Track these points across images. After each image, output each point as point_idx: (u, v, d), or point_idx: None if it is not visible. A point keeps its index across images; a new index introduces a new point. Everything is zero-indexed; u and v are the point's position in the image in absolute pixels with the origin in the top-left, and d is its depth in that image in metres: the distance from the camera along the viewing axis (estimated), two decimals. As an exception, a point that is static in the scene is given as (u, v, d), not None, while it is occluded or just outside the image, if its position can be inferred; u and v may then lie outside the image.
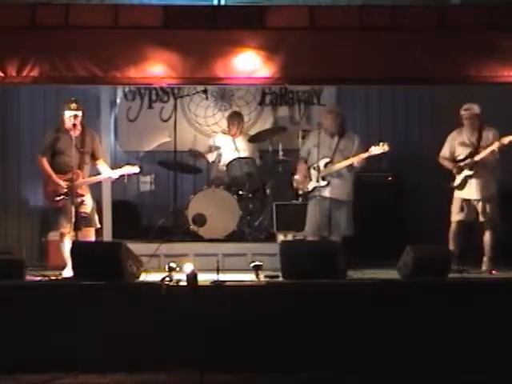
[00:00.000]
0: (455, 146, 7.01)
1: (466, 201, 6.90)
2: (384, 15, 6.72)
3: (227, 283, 5.85)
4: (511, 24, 6.69)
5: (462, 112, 6.93)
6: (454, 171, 6.94)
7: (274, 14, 6.72)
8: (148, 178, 8.76)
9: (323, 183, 6.95)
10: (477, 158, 6.81)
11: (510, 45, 6.69)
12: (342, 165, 6.93)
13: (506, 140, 6.71)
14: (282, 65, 6.65)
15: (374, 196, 8.02)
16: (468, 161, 6.87)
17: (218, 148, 8.20)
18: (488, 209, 6.83)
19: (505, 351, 5.63)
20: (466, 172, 6.86)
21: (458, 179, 6.91)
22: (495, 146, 6.74)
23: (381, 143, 6.81)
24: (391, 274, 6.29)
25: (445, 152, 7.06)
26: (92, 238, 6.75)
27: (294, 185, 7.29)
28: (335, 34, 6.68)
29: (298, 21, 6.71)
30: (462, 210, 6.92)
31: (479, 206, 6.86)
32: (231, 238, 7.47)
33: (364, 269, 6.48)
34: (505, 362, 5.56)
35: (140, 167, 7.12)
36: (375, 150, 6.82)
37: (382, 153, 6.85)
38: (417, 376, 5.46)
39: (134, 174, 7.01)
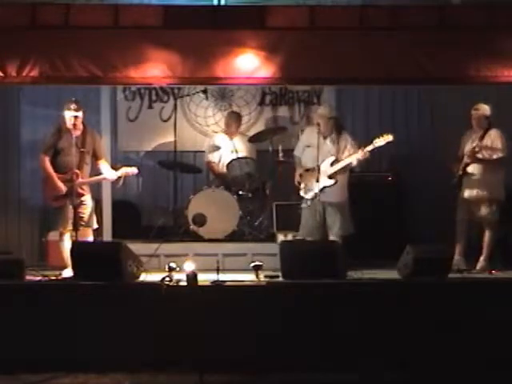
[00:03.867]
0: (464, 146, 6.99)
1: (464, 199, 6.91)
2: (384, 15, 6.72)
3: (227, 283, 5.86)
4: (511, 24, 6.70)
5: (472, 112, 6.94)
6: (455, 170, 6.96)
7: (274, 14, 6.72)
8: (148, 178, 8.75)
9: (331, 182, 6.85)
10: (465, 159, 6.82)
11: (510, 45, 6.69)
12: (346, 161, 6.85)
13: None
14: (281, 65, 6.65)
15: (374, 196, 8.02)
16: (464, 160, 6.88)
17: (218, 148, 8.19)
18: (484, 209, 6.83)
19: (505, 351, 5.64)
20: (460, 171, 6.89)
21: (456, 178, 6.92)
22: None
23: (384, 134, 6.77)
24: (391, 273, 6.29)
25: (459, 153, 7.03)
26: (89, 237, 6.73)
27: (301, 192, 7.07)
28: (335, 34, 6.67)
29: (297, 21, 6.70)
30: (460, 208, 6.93)
31: (474, 206, 6.87)
32: (231, 237, 7.46)
33: (364, 269, 6.47)
34: (505, 361, 5.57)
35: (139, 167, 7.12)
36: (379, 142, 6.76)
37: (388, 143, 6.76)
38: (416, 376, 5.47)
39: (133, 174, 6.99)
